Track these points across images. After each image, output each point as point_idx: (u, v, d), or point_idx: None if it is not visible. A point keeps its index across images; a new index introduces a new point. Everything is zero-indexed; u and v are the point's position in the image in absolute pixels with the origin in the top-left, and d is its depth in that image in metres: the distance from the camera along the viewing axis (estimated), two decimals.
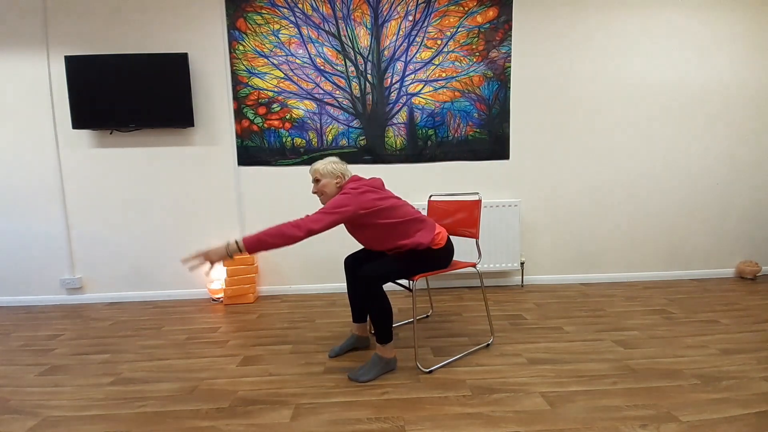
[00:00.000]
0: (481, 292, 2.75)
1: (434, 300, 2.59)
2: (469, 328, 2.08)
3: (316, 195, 1.78)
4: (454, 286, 2.88)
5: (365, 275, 1.55)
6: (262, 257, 2.81)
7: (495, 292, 2.72)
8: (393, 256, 1.68)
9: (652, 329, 2.01)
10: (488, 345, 1.86)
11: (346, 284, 1.86)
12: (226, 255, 1.40)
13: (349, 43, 2.67)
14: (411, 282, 1.68)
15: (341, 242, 2.82)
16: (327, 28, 2.65)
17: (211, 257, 1.41)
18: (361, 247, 2.81)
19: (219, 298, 2.72)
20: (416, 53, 2.69)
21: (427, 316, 2.29)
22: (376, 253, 1.86)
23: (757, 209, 2.93)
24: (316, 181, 1.73)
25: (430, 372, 1.62)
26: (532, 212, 2.86)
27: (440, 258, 1.73)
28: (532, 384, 1.51)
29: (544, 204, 2.86)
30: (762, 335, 1.90)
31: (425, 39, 2.68)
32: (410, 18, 2.66)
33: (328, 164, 1.72)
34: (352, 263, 1.83)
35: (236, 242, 1.40)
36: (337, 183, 1.71)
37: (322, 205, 1.72)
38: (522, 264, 2.81)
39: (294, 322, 2.27)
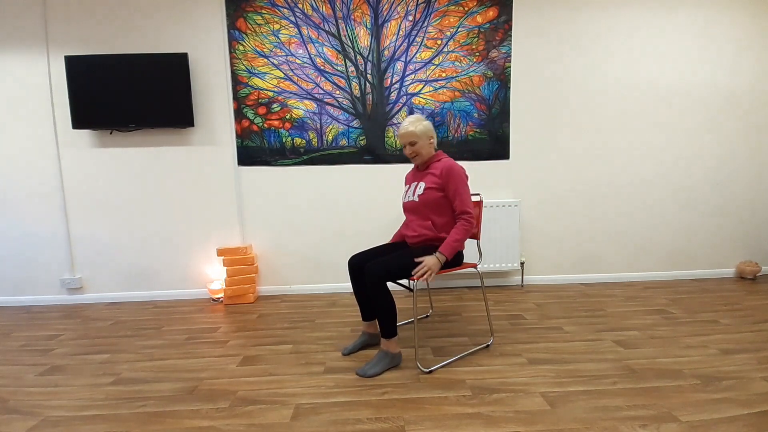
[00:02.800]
0: (481, 292, 2.75)
1: (434, 300, 2.59)
2: (469, 328, 2.08)
3: (409, 156, 1.82)
4: (454, 286, 2.88)
5: (373, 270, 1.57)
6: (263, 258, 2.81)
7: (495, 292, 2.72)
8: (409, 251, 1.69)
9: (652, 329, 2.01)
10: (488, 345, 1.86)
11: (351, 284, 1.87)
12: (439, 264, 1.62)
13: (349, 43, 2.67)
14: (411, 282, 1.68)
15: (341, 242, 2.82)
16: (327, 28, 2.65)
17: (432, 268, 1.60)
18: (364, 248, 2.81)
19: (219, 298, 2.72)
20: (416, 53, 2.69)
21: (427, 316, 2.29)
22: (381, 251, 1.87)
23: (757, 209, 2.93)
24: (411, 144, 1.75)
25: (430, 372, 1.62)
26: (532, 212, 2.86)
27: (457, 257, 1.78)
28: (532, 384, 1.51)
29: (545, 204, 2.86)
30: (762, 335, 1.90)
31: (425, 39, 2.68)
32: (410, 18, 2.66)
33: (418, 123, 1.73)
34: (357, 263, 1.83)
35: (440, 254, 1.63)
36: (431, 142, 1.78)
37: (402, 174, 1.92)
38: (522, 264, 2.81)
39: (294, 322, 2.27)
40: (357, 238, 2.82)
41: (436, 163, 1.78)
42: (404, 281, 2.54)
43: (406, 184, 1.96)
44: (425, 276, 1.58)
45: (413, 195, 1.80)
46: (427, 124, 1.77)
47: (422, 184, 1.77)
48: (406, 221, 1.92)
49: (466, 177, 1.73)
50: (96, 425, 1.33)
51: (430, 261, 1.61)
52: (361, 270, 1.81)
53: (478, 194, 2.00)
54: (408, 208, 1.84)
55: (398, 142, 1.82)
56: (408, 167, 2.77)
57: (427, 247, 1.72)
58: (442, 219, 1.74)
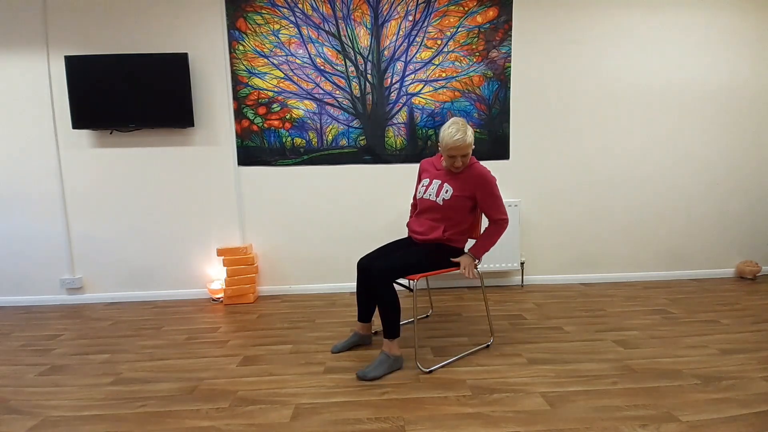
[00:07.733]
0: (481, 292, 2.75)
1: (434, 300, 2.59)
2: (469, 328, 2.08)
3: (449, 167, 1.70)
4: (454, 286, 2.88)
5: (379, 268, 1.57)
6: (263, 258, 2.81)
7: (495, 292, 2.72)
8: (416, 249, 1.70)
9: (652, 329, 2.01)
10: (488, 345, 1.86)
11: (356, 284, 1.87)
12: (473, 261, 1.72)
13: (349, 43, 2.67)
14: (411, 282, 1.68)
15: (341, 242, 2.82)
16: (327, 28, 2.65)
17: (470, 267, 1.70)
18: (364, 247, 2.80)
19: (219, 298, 2.72)
20: (416, 53, 2.68)
21: (427, 316, 2.29)
22: (390, 251, 1.86)
23: (757, 209, 2.93)
24: (463, 156, 1.62)
25: (430, 372, 1.62)
26: (532, 212, 2.86)
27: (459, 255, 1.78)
28: (532, 384, 1.51)
29: (545, 204, 2.86)
30: (762, 335, 1.90)
31: (425, 39, 2.68)
32: (410, 18, 2.66)
33: (467, 129, 1.59)
34: (367, 264, 1.81)
35: (472, 255, 1.72)
36: (471, 151, 1.67)
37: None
38: (522, 264, 2.81)
39: (294, 322, 2.27)
40: (357, 238, 2.82)
41: (467, 168, 1.72)
42: (404, 281, 2.54)
43: (424, 176, 1.85)
44: (468, 273, 1.67)
45: (436, 196, 1.72)
46: (470, 129, 1.63)
47: (450, 189, 1.70)
48: (417, 215, 1.86)
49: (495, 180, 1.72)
50: (96, 425, 1.33)
51: (465, 261, 1.69)
52: (369, 273, 1.80)
53: None
54: (425, 206, 1.78)
55: (444, 153, 1.64)
56: (408, 167, 2.77)
57: (438, 251, 1.73)
58: (458, 227, 1.74)
